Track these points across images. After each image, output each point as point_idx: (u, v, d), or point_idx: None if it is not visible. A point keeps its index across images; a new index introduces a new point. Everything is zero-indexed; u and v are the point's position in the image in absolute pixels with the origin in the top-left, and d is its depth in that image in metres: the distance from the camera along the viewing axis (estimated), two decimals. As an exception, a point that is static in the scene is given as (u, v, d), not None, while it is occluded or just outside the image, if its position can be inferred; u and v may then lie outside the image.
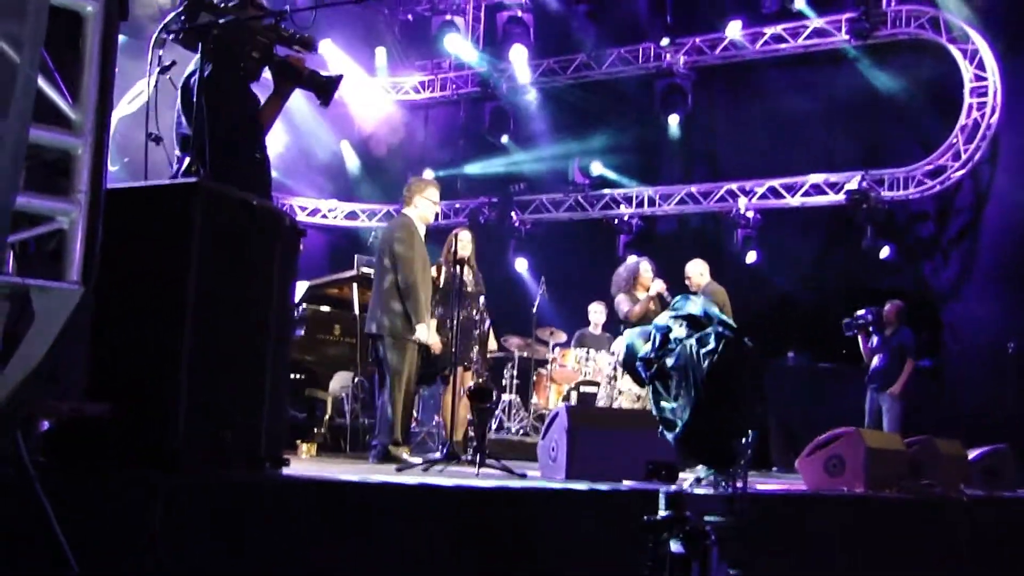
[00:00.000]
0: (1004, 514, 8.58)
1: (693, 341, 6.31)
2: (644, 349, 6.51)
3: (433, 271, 9.20)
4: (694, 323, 6.35)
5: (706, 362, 6.13)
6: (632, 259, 11.73)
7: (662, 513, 4.51)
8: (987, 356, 13.40)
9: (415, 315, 8.78)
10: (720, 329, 6.21)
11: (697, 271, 11.74)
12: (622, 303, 11.06)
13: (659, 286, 10.98)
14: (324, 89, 5.77)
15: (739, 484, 5.52)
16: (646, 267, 11.19)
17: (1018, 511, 8.89)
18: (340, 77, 5.83)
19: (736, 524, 4.65)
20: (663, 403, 6.32)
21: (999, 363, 12.99)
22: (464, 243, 9.80)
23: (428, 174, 17.66)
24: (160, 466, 4.04)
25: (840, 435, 8.25)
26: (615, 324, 13.26)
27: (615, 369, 11.39)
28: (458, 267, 8.68)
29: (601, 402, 12.23)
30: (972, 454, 9.75)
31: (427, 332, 8.76)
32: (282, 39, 5.65)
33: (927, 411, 13.94)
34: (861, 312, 13.09)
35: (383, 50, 18.92)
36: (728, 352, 6.17)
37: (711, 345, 6.23)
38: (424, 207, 9.16)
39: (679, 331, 6.36)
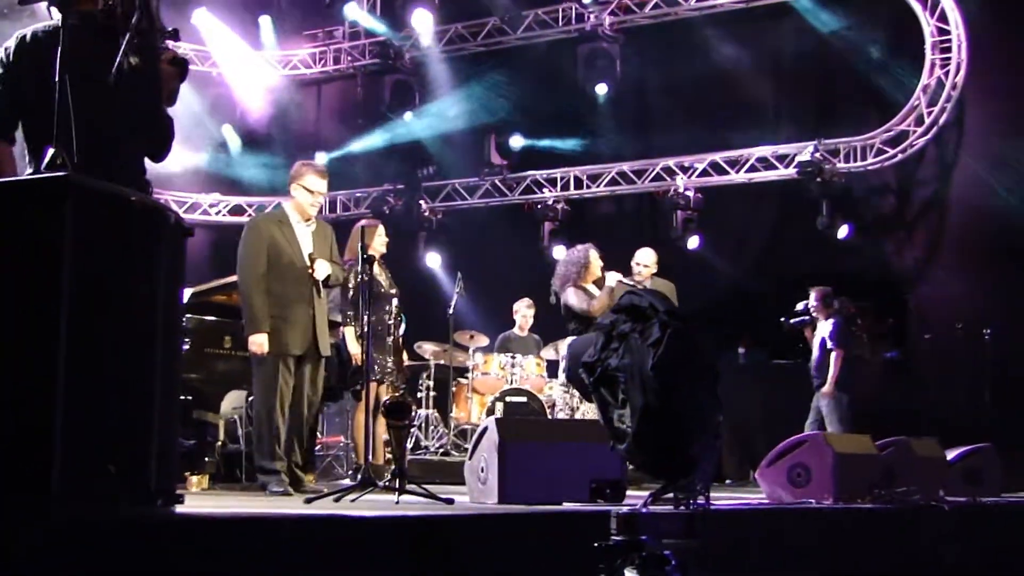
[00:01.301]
0: (989, 522, 8.66)
1: (636, 335, 6.30)
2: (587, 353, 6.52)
3: (339, 272, 9.10)
4: (637, 315, 6.34)
5: (650, 355, 6.12)
6: (578, 248, 11.65)
7: (614, 538, 4.50)
8: (961, 343, 13.50)
9: (245, 323, 8.78)
10: (665, 319, 6.20)
11: (652, 260, 11.77)
12: (574, 298, 10.88)
13: (616, 276, 10.93)
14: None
15: (699, 501, 5.53)
16: (595, 255, 11.11)
17: (1004, 518, 8.98)
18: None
19: (698, 547, 4.65)
20: (611, 411, 6.31)
21: (975, 351, 13.10)
22: (379, 238, 9.77)
23: (321, 159, 17.57)
24: (31, 506, 3.95)
25: (804, 441, 8.32)
26: (553, 325, 13.26)
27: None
28: (368, 265, 8.58)
29: (561, 413, 12.23)
30: (951, 455, 9.85)
31: (260, 345, 8.63)
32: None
33: (895, 408, 14.07)
34: (799, 306, 13.21)
35: (268, 19, 18.69)
36: (674, 343, 6.17)
37: (655, 335, 6.23)
38: (299, 195, 9.04)
39: (622, 326, 6.35)
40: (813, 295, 13.00)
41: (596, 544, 4.51)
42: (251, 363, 8.91)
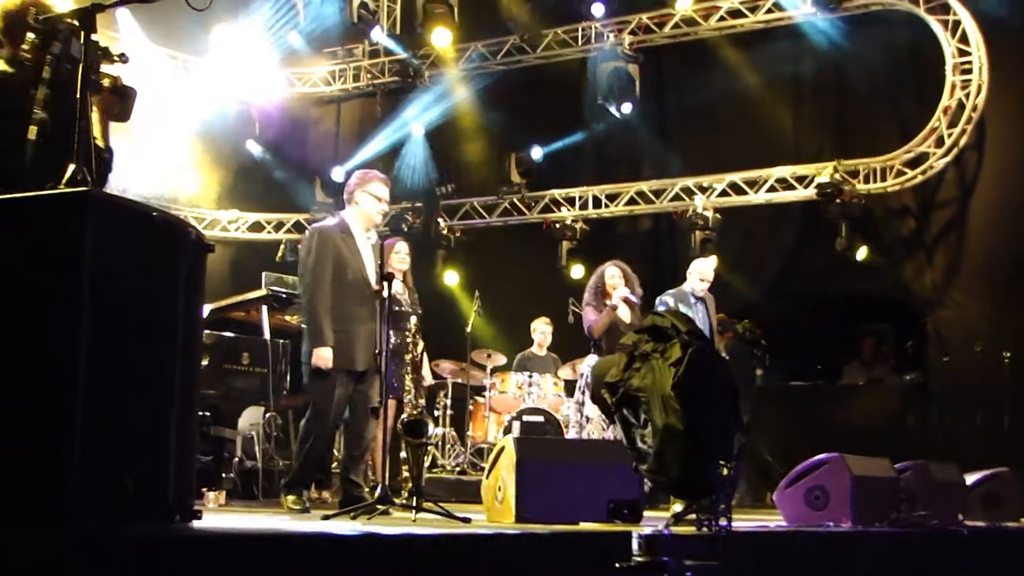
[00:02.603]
0: (1008, 547, 8.62)
1: (658, 355, 6.29)
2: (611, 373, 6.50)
3: None
4: (659, 335, 6.34)
5: (672, 375, 6.11)
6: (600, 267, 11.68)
7: (636, 558, 4.47)
8: (980, 367, 13.45)
9: (309, 336, 8.67)
10: (687, 339, 6.19)
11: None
12: (586, 316, 11.07)
13: (621, 294, 10.96)
14: None
15: (722, 522, 5.50)
16: (611, 272, 11.18)
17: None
18: None
19: (720, 568, 4.62)
20: (633, 431, 6.30)
21: (994, 375, 13.05)
22: (400, 256, 9.78)
23: (338, 175, 17.65)
24: (47, 520, 3.94)
25: (822, 463, 8.26)
26: (570, 344, 13.26)
27: (583, 393, 11.41)
28: (387, 283, 8.52)
29: (571, 432, 12.21)
30: (970, 479, 9.81)
31: (326, 360, 8.51)
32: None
33: (914, 431, 14.03)
34: None
35: (297, 35, 18.60)
36: (696, 363, 6.16)
37: (676, 355, 6.22)
38: (365, 203, 8.90)
39: (644, 347, 6.35)
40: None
41: (618, 565, 4.49)
42: (303, 376, 8.79)
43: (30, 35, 5.23)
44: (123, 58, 5.70)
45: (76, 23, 5.22)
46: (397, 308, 9.37)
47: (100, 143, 5.82)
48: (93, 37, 5.30)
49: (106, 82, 5.77)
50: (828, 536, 7.50)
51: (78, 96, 4.84)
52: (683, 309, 10.84)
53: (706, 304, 11.49)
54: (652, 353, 6.30)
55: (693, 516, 6.03)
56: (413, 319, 8.62)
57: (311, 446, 8.71)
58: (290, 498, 8.63)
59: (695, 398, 6.14)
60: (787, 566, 6.71)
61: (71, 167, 4.68)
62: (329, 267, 8.70)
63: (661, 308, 10.89)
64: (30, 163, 4.85)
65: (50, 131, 5.22)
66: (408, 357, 8.46)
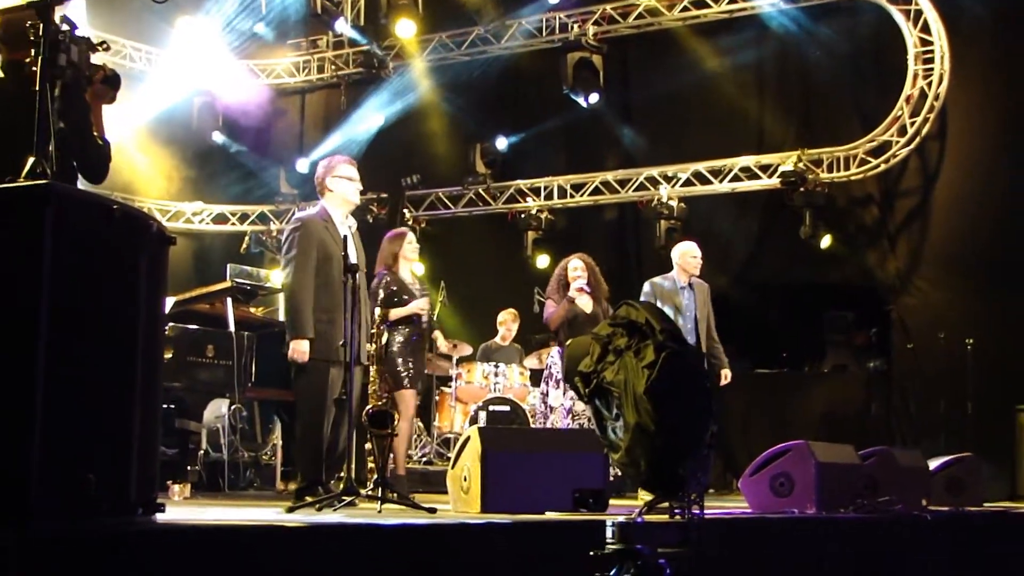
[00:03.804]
0: (971, 532, 8.66)
1: (632, 353, 6.29)
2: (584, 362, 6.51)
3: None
4: (635, 331, 6.33)
5: (645, 377, 6.11)
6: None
7: (611, 546, 4.47)
8: (944, 354, 13.51)
9: (288, 327, 8.50)
10: (662, 339, 6.19)
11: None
12: (546, 308, 11.13)
13: (576, 285, 10.99)
14: None
15: (695, 510, 5.51)
16: (574, 264, 11.21)
17: (986, 528, 8.98)
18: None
19: (693, 554, 4.62)
20: (606, 422, 6.31)
21: (957, 362, 13.11)
22: (413, 246, 9.98)
23: (303, 166, 17.63)
24: (9, 516, 3.91)
25: (787, 450, 8.28)
26: (535, 334, 13.25)
27: (546, 384, 11.44)
28: (351, 274, 8.43)
29: (536, 421, 12.24)
30: (933, 465, 9.85)
31: (303, 352, 8.33)
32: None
33: (878, 418, 14.09)
34: None
35: (262, 26, 18.48)
36: (669, 367, 6.15)
37: (650, 358, 6.22)
38: (339, 187, 8.78)
39: (619, 341, 6.34)
40: None
41: (592, 552, 4.49)
42: (292, 370, 8.61)
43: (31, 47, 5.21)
44: (104, 46, 5.70)
45: (67, 28, 5.20)
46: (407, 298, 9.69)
47: (98, 136, 5.87)
48: (79, 33, 5.31)
49: (97, 74, 5.77)
50: (796, 522, 7.52)
51: (37, 88, 4.80)
52: (667, 299, 10.91)
53: (694, 292, 11.48)
54: (626, 350, 6.30)
55: (665, 504, 6.04)
56: (377, 310, 8.55)
57: (305, 443, 8.56)
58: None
59: (668, 401, 6.15)
60: (757, 552, 6.72)
61: (30, 159, 4.63)
62: (313, 256, 8.52)
63: (646, 295, 10.96)
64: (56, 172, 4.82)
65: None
66: (372, 348, 8.40)
